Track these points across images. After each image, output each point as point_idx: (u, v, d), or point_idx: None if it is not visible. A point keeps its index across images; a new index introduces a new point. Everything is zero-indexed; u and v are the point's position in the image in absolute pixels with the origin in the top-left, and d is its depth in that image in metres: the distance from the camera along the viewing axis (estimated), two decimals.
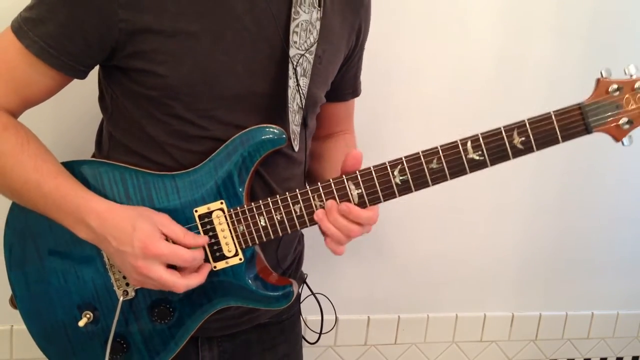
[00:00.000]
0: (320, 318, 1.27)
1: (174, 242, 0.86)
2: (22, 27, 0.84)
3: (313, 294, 1.19)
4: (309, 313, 1.28)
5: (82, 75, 0.89)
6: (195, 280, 0.88)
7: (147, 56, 0.85)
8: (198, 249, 0.88)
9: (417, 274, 1.62)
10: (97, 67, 0.93)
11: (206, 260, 0.90)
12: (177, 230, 0.87)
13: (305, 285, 1.20)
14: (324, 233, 0.90)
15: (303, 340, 1.27)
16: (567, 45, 1.53)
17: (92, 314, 0.94)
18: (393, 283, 1.61)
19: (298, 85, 0.92)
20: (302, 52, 0.92)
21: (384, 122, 1.46)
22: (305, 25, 0.92)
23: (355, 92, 1.18)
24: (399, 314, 1.64)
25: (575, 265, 1.77)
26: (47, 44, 0.83)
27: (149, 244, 0.83)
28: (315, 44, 0.94)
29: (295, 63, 0.91)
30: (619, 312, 1.85)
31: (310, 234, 1.24)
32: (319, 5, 0.94)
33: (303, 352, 1.26)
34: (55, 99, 0.94)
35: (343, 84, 1.11)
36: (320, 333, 1.26)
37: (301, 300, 1.23)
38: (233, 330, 1.05)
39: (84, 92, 1.05)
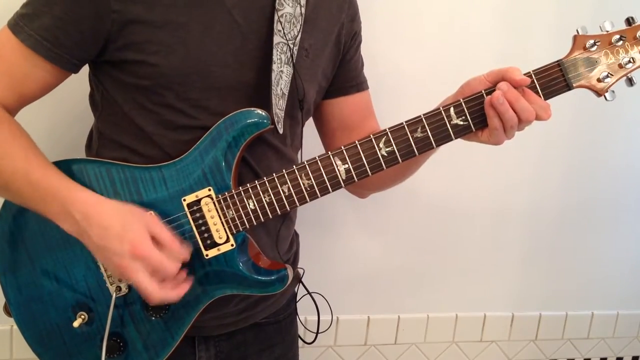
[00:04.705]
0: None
1: (160, 243, 0.85)
2: (18, 23, 0.86)
3: (309, 293, 1.17)
4: (308, 313, 1.27)
5: (75, 69, 0.91)
6: (172, 295, 0.86)
7: (138, 47, 0.86)
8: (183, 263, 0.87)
9: (417, 274, 1.60)
10: (86, 67, 0.94)
11: (198, 248, 0.90)
12: (164, 232, 0.86)
13: (301, 284, 1.19)
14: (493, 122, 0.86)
15: (301, 340, 1.25)
16: (567, 46, 1.52)
17: (86, 315, 0.92)
18: (393, 282, 1.59)
19: (282, 70, 0.93)
20: (286, 42, 0.94)
21: (383, 124, 1.46)
22: (290, 18, 0.94)
23: (359, 85, 1.13)
24: (399, 314, 1.62)
25: (575, 265, 1.75)
26: (42, 36, 0.85)
27: (137, 245, 0.82)
28: (299, 35, 0.95)
29: (278, 50, 0.92)
30: (619, 312, 1.83)
31: (307, 234, 1.24)
32: (303, 1, 0.96)
33: (303, 352, 1.24)
34: (46, 102, 0.95)
35: (343, 78, 1.09)
36: (317, 333, 1.25)
37: (297, 299, 1.21)
38: (230, 329, 1.04)
39: (76, 96, 1.06)
